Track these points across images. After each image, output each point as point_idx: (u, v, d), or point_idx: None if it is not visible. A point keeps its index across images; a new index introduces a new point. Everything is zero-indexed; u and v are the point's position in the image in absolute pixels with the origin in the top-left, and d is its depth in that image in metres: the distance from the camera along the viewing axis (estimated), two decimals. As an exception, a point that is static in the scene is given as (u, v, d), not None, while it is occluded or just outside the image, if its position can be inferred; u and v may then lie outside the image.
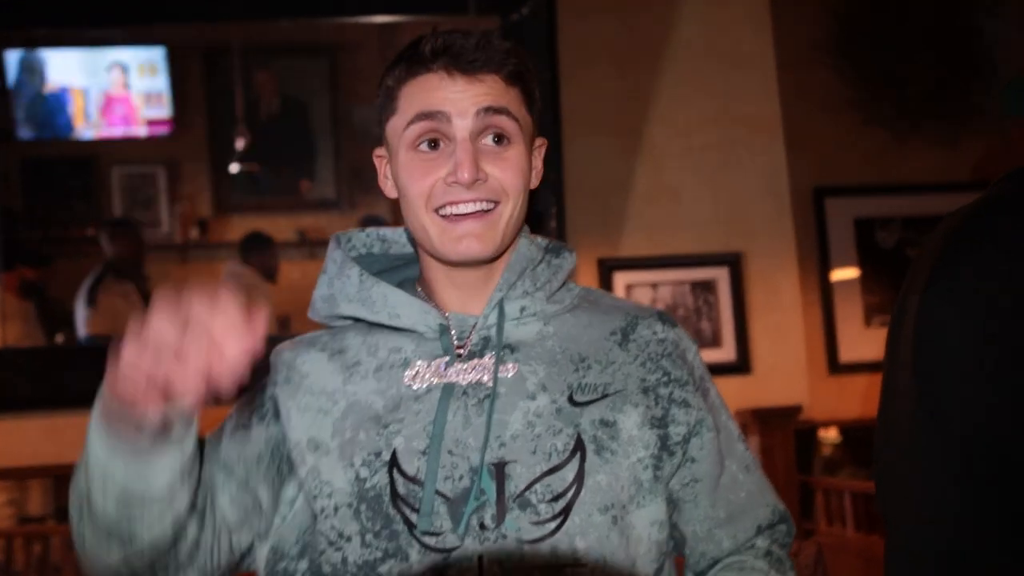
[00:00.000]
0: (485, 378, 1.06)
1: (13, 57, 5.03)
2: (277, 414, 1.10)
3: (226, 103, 5.09)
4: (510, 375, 1.06)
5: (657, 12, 3.44)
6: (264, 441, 1.10)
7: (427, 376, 1.07)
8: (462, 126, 1.05)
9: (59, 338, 4.44)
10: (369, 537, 1.00)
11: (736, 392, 3.32)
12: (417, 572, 0.98)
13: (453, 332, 1.09)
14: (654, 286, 3.36)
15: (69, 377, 3.36)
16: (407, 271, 1.21)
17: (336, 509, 1.02)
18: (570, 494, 1.01)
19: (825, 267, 3.83)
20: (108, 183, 5.26)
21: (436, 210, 1.06)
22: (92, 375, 2.99)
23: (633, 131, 3.40)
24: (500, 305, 1.09)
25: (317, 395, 1.08)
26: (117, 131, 5.23)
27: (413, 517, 1.00)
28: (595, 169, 3.36)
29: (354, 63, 5.32)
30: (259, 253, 4.68)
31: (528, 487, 1.00)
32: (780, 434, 3.23)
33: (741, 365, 3.35)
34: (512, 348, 1.09)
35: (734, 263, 3.38)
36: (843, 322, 3.76)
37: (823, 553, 2.22)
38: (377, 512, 1.01)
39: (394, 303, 1.09)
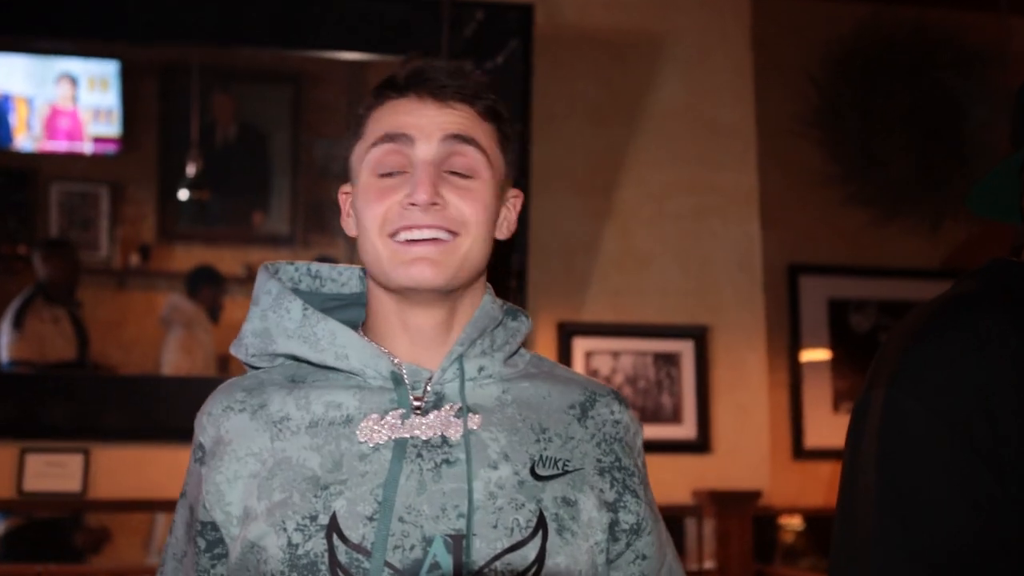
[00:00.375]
0: (452, 435, 1.00)
1: None
2: (214, 526, 1.01)
3: (180, 125, 4.93)
4: (471, 439, 1.01)
5: (637, 71, 3.39)
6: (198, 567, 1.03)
7: (381, 431, 0.99)
8: (425, 150, 1.00)
9: None
10: None
11: (694, 472, 3.23)
12: None
13: (408, 383, 1.03)
14: (615, 355, 3.25)
15: None
16: (343, 313, 1.12)
17: None
18: (530, 574, 0.96)
19: (795, 347, 3.75)
20: (46, 199, 5.09)
21: (391, 235, 1.00)
22: (11, 404, 2.85)
23: (604, 191, 3.32)
24: (460, 361, 1.04)
25: (243, 459, 1.00)
26: (60, 145, 5.04)
27: None
28: (561, 227, 3.28)
29: (318, 96, 5.23)
30: (208, 288, 4.56)
31: (488, 564, 0.95)
32: (738, 519, 3.13)
33: (701, 444, 3.25)
34: (471, 410, 1.03)
35: (700, 336, 3.28)
36: (810, 406, 3.68)
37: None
38: None
39: (343, 342, 1.02)
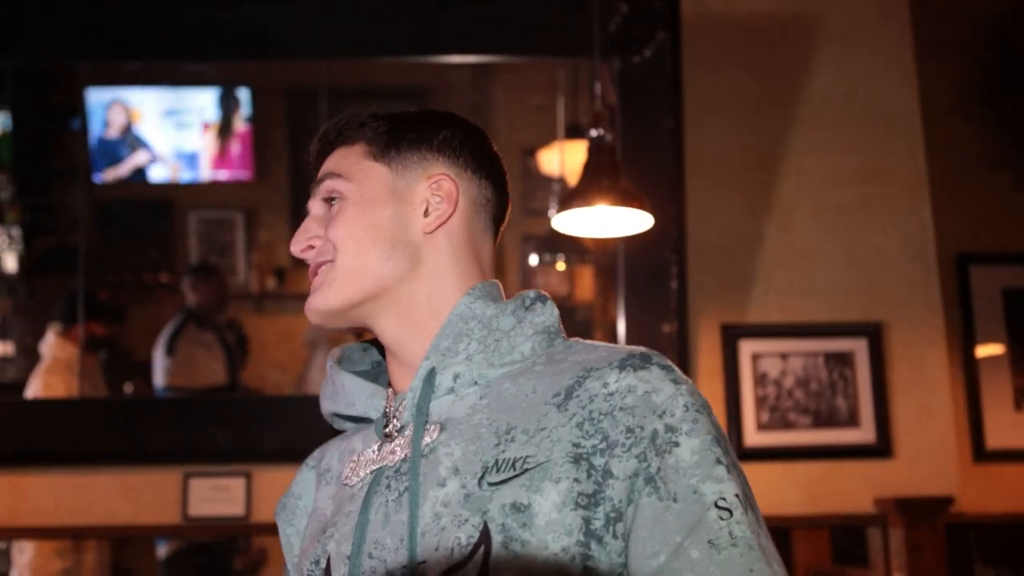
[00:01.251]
0: (405, 458, 1.01)
1: (94, 95, 5.10)
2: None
3: (308, 147, 5.06)
4: (428, 457, 0.99)
5: (790, 59, 3.33)
6: None
7: (362, 468, 1.05)
8: (310, 206, 1.14)
9: (128, 388, 4.42)
10: None
11: (875, 478, 3.13)
12: None
13: (388, 411, 1.06)
14: (784, 356, 3.18)
15: (144, 431, 3.33)
16: None
17: None
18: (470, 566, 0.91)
19: (969, 342, 3.60)
20: (184, 228, 5.31)
21: None
22: (169, 429, 2.93)
23: (763, 186, 3.26)
24: (430, 375, 1.04)
25: (303, 515, 1.15)
26: (196, 175, 5.26)
27: None
28: (720, 226, 3.23)
29: (446, 108, 5.23)
30: None
31: None
32: (929, 528, 3.01)
33: (881, 448, 3.13)
34: (442, 426, 1.02)
35: (874, 334, 3.18)
36: (990, 405, 3.52)
37: None
38: None
39: (350, 390, 1.10)
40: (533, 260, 3.35)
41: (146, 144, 5.22)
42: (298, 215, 5.20)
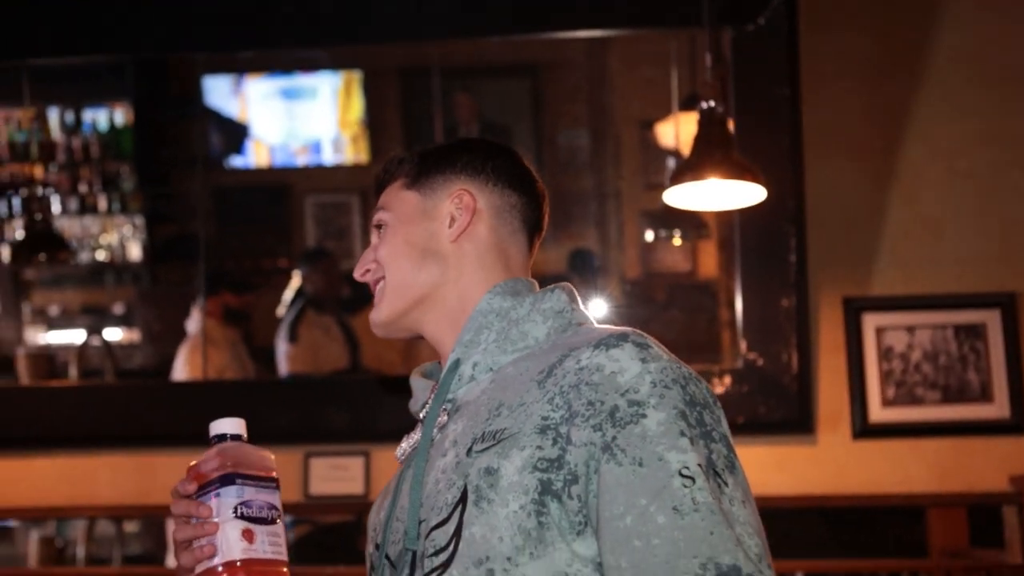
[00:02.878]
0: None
1: (211, 84, 5.44)
2: None
3: (422, 128, 5.34)
4: (440, 434, 1.22)
5: (914, 20, 3.35)
6: None
7: (405, 449, 1.28)
8: (372, 237, 1.36)
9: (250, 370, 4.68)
10: None
11: (1010, 455, 3.16)
12: None
13: (428, 401, 1.27)
14: (910, 329, 3.24)
15: (266, 412, 3.58)
16: None
17: None
18: (450, 548, 1.11)
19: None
20: (301, 212, 5.58)
21: None
22: (295, 413, 3.11)
23: (885, 153, 3.31)
24: (454, 365, 1.25)
25: None
26: (311, 159, 5.58)
27: None
28: (841, 196, 3.29)
29: (560, 84, 5.48)
30: None
31: (424, 543, 1.14)
32: (1069, 510, 3.03)
33: (1017, 424, 3.17)
34: (457, 409, 1.23)
35: (1008, 304, 3.21)
36: None
37: None
38: None
39: (414, 389, 1.31)
40: (649, 236, 3.41)
41: (260, 130, 5.55)
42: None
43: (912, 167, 3.30)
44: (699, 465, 1.07)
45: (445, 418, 1.22)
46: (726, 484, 1.09)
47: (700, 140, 2.78)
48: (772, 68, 3.25)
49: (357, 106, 5.48)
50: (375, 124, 5.51)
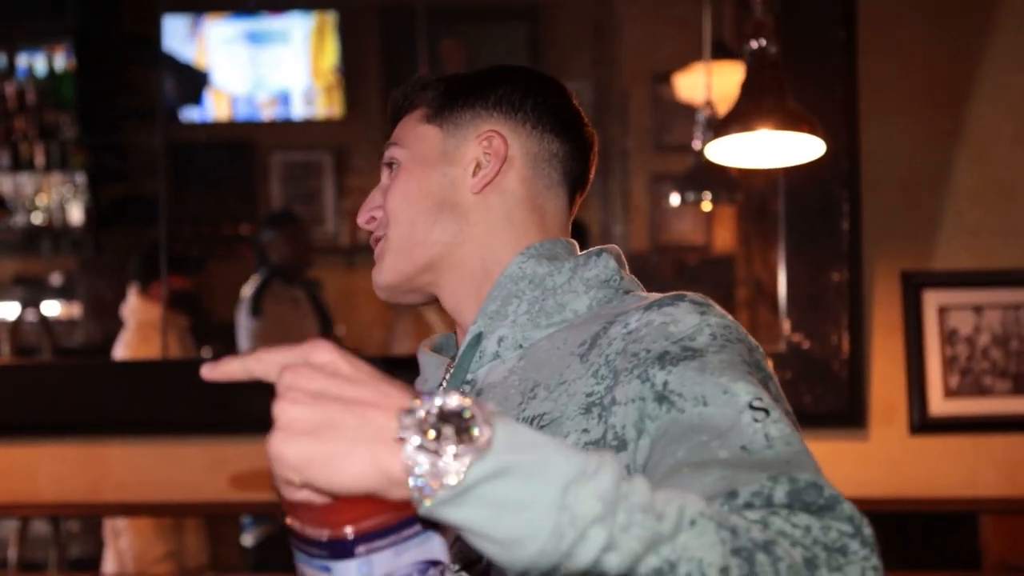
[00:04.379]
0: None
1: (170, 24, 5.35)
2: None
3: (405, 79, 5.20)
4: None
5: (984, -45, 3.21)
6: None
7: None
8: (382, 174, 1.29)
9: (207, 352, 4.63)
10: None
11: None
12: None
13: (443, 380, 1.21)
14: (977, 309, 3.08)
15: (235, 399, 3.40)
16: None
17: None
18: (484, 561, 1.01)
19: None
20: (267, 173, 5.56)
21: None
22: (261, 397, 2.95)
23: (952, 108, 3.16)
24: (475, 340, 1.17)
25: None
26: (279, 112, 5.55)
27: None
28: (900, 157, 3.14)
29: (557, 30, 5.51)
30: None
31: (453, 555, 1.03)
32: None
33: (1097, 416, 3.03)
34: (479, 392, 1.15)
35: (1089, 282, 3.07)
36: None
37: None
38: None
39: (424, 366, 1.27)
40: (675, 199, 3.31)
41: (221, 79, 5.51)
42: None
43: (983, 124, 3.16)
44: (774, 400, 0.97)
45: None
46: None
47: (749, 86, 2.59)
48: (825, 9, 3.08)
49: (331, 53, 5.47)
50: (351, 73, 5.50)
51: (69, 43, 5.28)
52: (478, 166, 1.20)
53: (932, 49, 3.18)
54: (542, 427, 1.04)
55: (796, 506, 0.84)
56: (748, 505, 0.84)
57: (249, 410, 3.35)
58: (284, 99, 5.58)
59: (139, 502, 3.43)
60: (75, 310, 5.41)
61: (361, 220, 1.26)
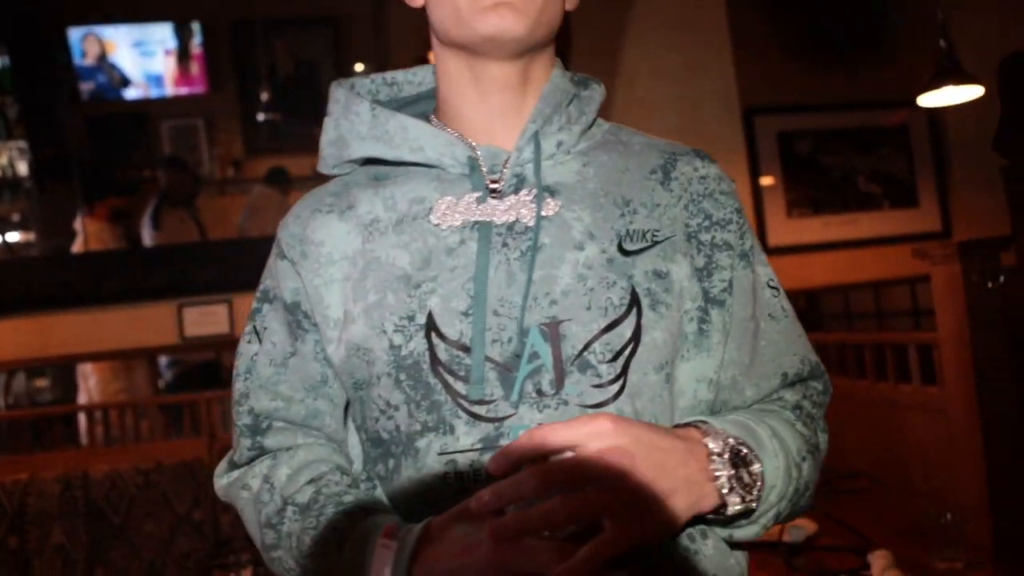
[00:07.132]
0: (525, 218, 1.07)
1: (76, 34, 6.61)
2: (309, 314, 1.13)
3: (251, 67, 6.72)
4: (552, 219, 1.07)
5: None
6: (317, 358, 1.15)
7: (455, 215, 1.07)
8: None
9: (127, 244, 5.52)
10: (412, 407, 1.03)
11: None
12: (465, 444, 1.00)
13: (483, 167, 1.10)
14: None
15: (144, 275, 4.04)
16: (415, 108, 1.22)
17: (378, 378, 1.05)
18: (627, 352, 1.02)
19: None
20: (159, 134, 6.80)
21: None
22: (162, 272, 4.28)
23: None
24: (536, 139, 1.10)
25: (337, 262, 1.11)
26: (165, 92, 6.77)
27: (457, 385, 1.02)
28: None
29: (352, 32, 6.85)
30: (280, 182, 6.18)
31: (586, 347, 1.02)
32: None
33: None
34: (552, 190, 1.08)
35: None
36: None
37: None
38: (418, 381, 1.03)
39: (416, 135, 1.10)
40: None
41: (120, 70, 6.72)
42: (247, 121, 7.01)
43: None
44: (773, 276, 1.18)
45: (551, 203, 1.07)
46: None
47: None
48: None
49: (196, 48, 6.67)
50: (212, 64, 6.69)
51: (3, 47, 6.23)
52: None
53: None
54: (657, 241, 1.07)
55: (811, 393, 1.16)
56: (791, 384, 1.15)
57: (155, 283, 4.05)
58: (164, 83, 6.74)
59: (77, 353, 3.93)
60: (31, 236, 6.37)
61: None
